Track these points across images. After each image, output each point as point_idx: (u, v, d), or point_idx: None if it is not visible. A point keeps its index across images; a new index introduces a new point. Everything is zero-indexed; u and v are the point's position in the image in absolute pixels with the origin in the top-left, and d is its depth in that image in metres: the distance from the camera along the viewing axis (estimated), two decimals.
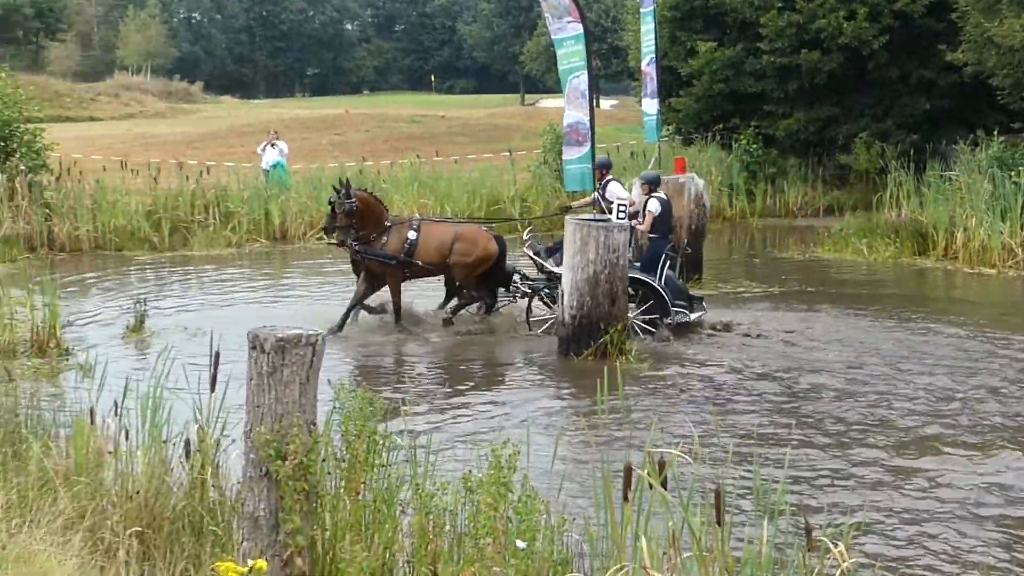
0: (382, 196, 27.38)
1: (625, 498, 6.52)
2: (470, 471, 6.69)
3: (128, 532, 7.09)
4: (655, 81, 24.07)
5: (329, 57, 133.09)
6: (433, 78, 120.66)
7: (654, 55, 24.15)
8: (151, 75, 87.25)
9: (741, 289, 22.23)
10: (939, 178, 27.68)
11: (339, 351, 16.19)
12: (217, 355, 7.88)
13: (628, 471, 6.50)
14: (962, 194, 25.99)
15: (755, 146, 34.20)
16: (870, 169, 33.11)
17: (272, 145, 34.35)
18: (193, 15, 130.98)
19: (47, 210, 27.94)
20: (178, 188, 30.29)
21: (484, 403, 13.87)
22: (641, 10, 25.43)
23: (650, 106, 24.47)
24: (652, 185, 18.28)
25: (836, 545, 6.32)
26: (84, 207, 28.11)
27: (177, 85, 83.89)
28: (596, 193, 18.54)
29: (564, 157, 17.99)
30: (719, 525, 6.34)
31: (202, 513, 7.28)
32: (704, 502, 7.02)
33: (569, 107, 17.39)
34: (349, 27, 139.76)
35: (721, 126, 36.53)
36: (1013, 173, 25.44)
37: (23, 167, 27.79)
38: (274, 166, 33.51)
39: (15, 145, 28.48)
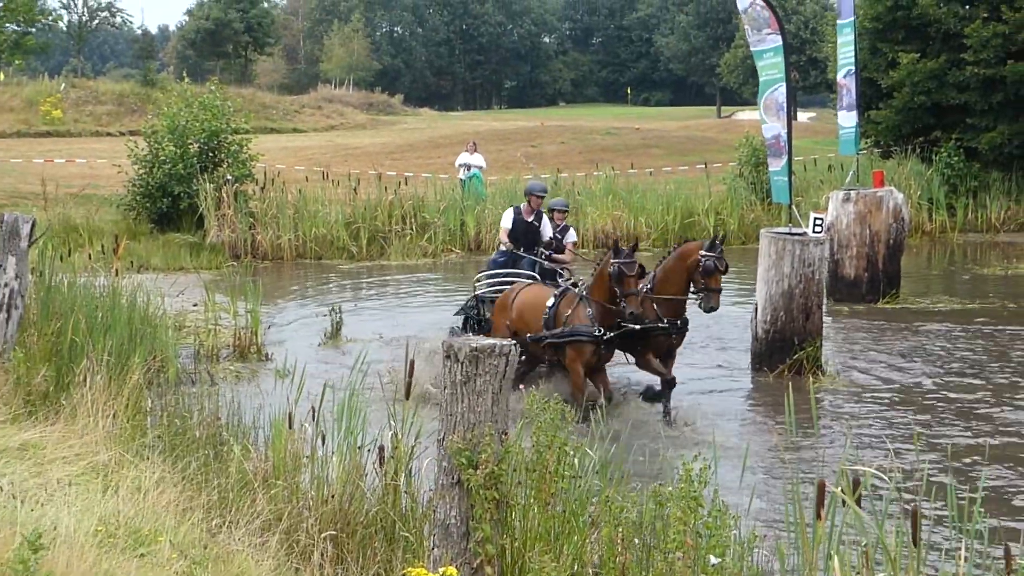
0: (577, 208, 27.58)
1: (818, 515, 6.44)
2: (660, 484, 6.68)
3: (323, 535, 7.26)
4: (852, 93, 23.66)
5: (526, 70, 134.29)
6: (629, 91, 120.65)
7: (852, 67, 23.74)
8: (353, 87, 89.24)
9: (941, 304, 21.69)
10: None
11: None
12: (412, 363, 8.02)
13: (821, 487, 6.42)
14: None
15: (956, 159, 33.33)
16: None
17: (470, 155, 34.84)
18: (395, 28, 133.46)
19: (251, 219, 28.81)
20: (376, 198, 30.87)
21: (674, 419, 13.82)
22: (838, 22, 25.01)
23: (846, 119, 24.05)
24: None
25: None
26: (286, 216, 28.91)
27: (378, 97, 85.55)
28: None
29: (770, 169, 17.82)
30: (915, 545, 6.22)
31: (394, 519, 7.41)
32: (901, 519, 6.88)
33: (768, 119, 17.23)
34: (547, 40, 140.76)
35: (921, 139, 35.68)
36: None
37: (229, 177, 28.71)
38: (471, 177, 33.93)
39: (222, 155, 29.43)
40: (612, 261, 13.26)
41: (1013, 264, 26.85)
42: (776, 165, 17.35)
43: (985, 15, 32.54)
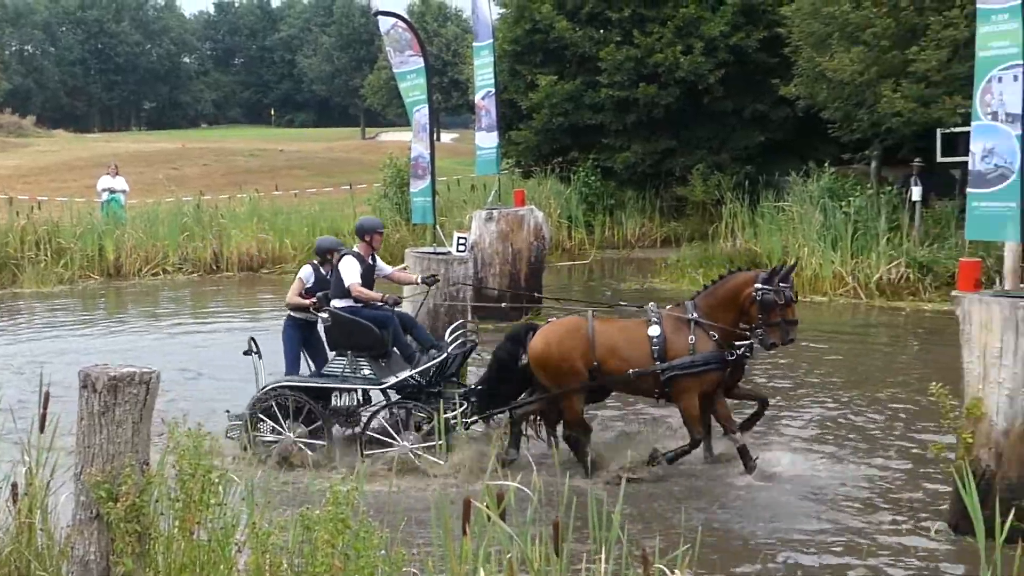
0: (220, 231, 26.94)
1: (464, 531, 6.49)
2: (307, 508, 6.58)
3: None
4: (492, 114, 24.12)
5: (166, 91, 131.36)
6: (272, 112, 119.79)
7: (491, 89, 24.18)
8: None
9: None
10: (773, 209, 28.34)
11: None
12: (47, 395, 7.66)
13: (467, 504, 6.47)
14: (795, 224, 26.57)
15: (593, 178, 34.58)
16: (706, 200, 33.68)
17: (112, 178, 33.67)
18: (25, 47, 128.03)
19: None
20: (7, 224, 29.51)
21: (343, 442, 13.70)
22: (475, 44, 25.41)
23: (484, 140, 24.46)
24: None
25: (672, 572, 6.36)
26: None
27: (7, 118, 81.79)
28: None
29: (411, 190, 17.93)
30: (557, 555, 6.34)
31: (29, 559, 7.05)
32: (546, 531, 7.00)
33: (414, 140, 17.36)
34: (187, 60, 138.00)
35: (560, 159, 36.83)
36: (843, 203, 26.10)
37: None
38: (109, 201, 32.80)
39: None
40: (759, 287, 12.10)
41: (648, 279, 27.94)
42: (417, 186, 17.49)
43: (618, 39, 33.85)
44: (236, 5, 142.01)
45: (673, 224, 35.03)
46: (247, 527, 6.83)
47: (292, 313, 13.62)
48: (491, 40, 24.38)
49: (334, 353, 13.21)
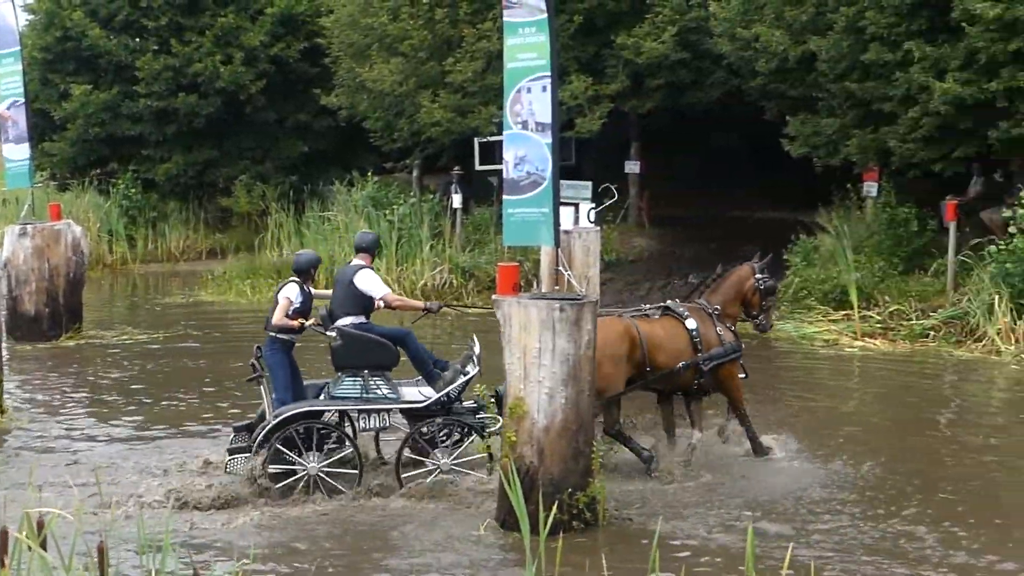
0: None
1: (0, 563, 6.09)
2: None
3: None
4: (20, 126, 22.98)
5: None
6: None
7: (19, 98, 23.03)
8: None
9: (125, 337, 21.69)
10: (318, 218, 28.46)
11: None
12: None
13: (3, 535, 6.07)
14: (340, 233, 26.79)
15: (134, 190, 33.60)
16: (251, 211, 33.38)
17: None
18: None
19: None
20: None
21: None
22: None
23: (14, 152, 23.28)
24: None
25: None
26: None
27: None
28: None
29: None
30: None
31: None
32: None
33: None
34: None
35: (99, 171, 35.56)
36: (387, 212, 26.55)
37: None
38: None
39: None
40: (759, 277, 13.57)
41: (195, 292, 27.47)
42: None
43: (155, 48, 33.03)
44: None
45: (218, 236, 34.48)
46: None
47: (278, 336, 12.45)
48: (18, 48, 23.25)
49: (341, 374, 12.28)
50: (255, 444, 11.95)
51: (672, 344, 12.91)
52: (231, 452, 12.25)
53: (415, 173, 33.23)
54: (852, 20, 21.29)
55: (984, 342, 19.56)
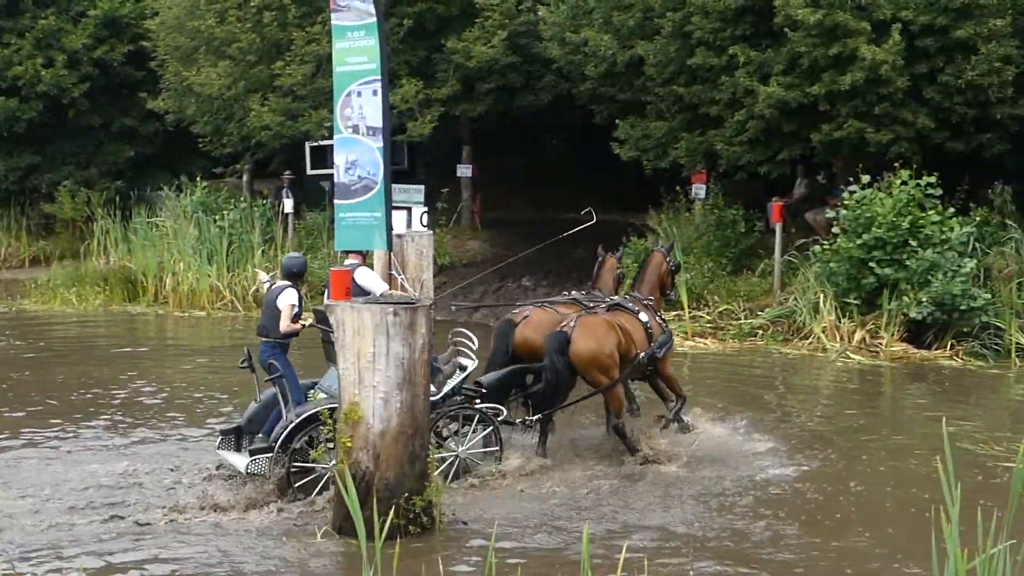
0: None
1: None
2: None
3: None
4: None
5: None
6: None
7: None
8: None
9: None
10: (146, 224, 27.94)
11: None
12: None
13: None
14: (169, 239, 26.35)
15: None
16: (76, 218, 32.53)
17: None
18: None
19: None
20: None
21: None
22: None
23: None
24: None
25: None
26: None
27: None
28: None
29: None
30: None
31: None
32: None
33: None
34: None
35: None
36: (218, 217, 26.18)
37: None
38: None
39: None
40: (667, 259, 14.79)
41: (18, 300, 26.78)
42: None
43: None
44: None
45: (42, 243, 33.51)
46: None
47: (281, 340, 12.40)
48: None
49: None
50: (276, 444, 11.79)
51: (638, 336, 13.64)
52: (252, 453, 12.07)
53: (245, 178, 32.81)
54: (678, 25, 21.72)
55: (810, 340, 20.11)
